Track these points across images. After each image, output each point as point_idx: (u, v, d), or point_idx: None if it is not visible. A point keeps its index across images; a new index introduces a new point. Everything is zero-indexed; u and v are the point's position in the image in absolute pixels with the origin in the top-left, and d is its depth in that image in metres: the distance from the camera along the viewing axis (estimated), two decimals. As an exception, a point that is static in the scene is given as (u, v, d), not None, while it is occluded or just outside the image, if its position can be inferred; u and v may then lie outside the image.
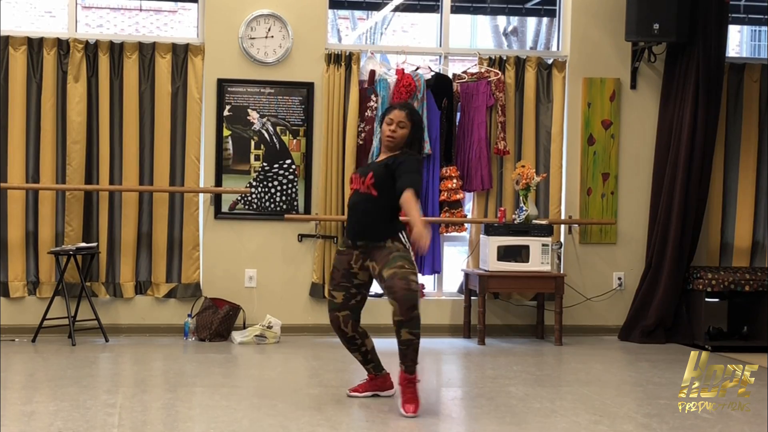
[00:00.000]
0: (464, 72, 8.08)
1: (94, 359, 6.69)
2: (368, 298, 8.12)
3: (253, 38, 7.79)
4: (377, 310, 7.95)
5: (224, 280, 7.76)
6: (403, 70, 7.87)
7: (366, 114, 7.82)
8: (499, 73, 7.98)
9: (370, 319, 7.92)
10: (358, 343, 5.49)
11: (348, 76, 7.84)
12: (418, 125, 5.38)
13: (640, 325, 7.95)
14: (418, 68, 7.95)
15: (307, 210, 7.85)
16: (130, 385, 5.99)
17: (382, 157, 5.44)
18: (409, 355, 5.14)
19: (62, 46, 7.59)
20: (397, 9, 9.00)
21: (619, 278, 8.26)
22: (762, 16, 9.37)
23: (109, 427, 4.69)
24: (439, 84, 7.90)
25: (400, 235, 5.25)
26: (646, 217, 8.20)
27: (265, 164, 7.80)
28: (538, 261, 7.62)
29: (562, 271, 8.00)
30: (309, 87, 7.85)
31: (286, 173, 7.83)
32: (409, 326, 5.09)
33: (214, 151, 7.76)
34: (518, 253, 7.64)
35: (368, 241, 5.26)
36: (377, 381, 5.59)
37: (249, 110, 7.80)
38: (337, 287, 5.46)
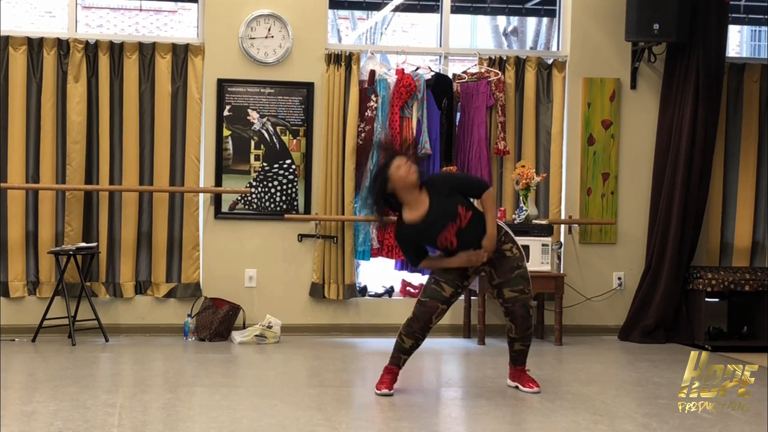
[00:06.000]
0: (464, 72, 8.08)
1: (94, 359, 6.69)
2: (369, 298, 8.20)
3: (253, 38, 7.79)
4: (377, 310, 7.97)
5: (224, 280, 7.76)
6: (403, 70, 7.87)
7: (366, 114, 7.82)
8: (499, 73, 7.98)
9: (369, 319, 7.96)
10: (424, 336, 5.59)
11: (348, 76, 7.84)
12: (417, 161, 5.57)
13: (640, 325, 7.95)
14: (418, 68, 7.95)
15: (307, 210, 7.85)
16: (130, 385, 5.99)
17: (415, 209, 5.41)
18: (519, 359, 5.72)
19: (62, 46, 7.59)
20: (397, 9, 9.00)
21: (619, 278, 8.26)
22: (762, 16, 9.37)
23: (109, 427, 4.69)
24: (439, 84, 7.90)
25: (501, 224, 5.62)
26: (646, 217, 8.20)
27: (265, 164, 7.80)
28: (538, 261, 7.62)
29: (562, 271, 8.00)
30: (309, 87, 7.85)
31: (286, 173, 7.83)
32: (523, 341, 5.66)
33: (214, 151, 7.76)
34: (518, 253, 7.62)
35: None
36: (397, 375, 5.62)
37: (249, 110, 7.80)
38: (449, 282, 5.55)
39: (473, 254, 5.43)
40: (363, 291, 8.12)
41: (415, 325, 5.51)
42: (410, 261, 5.67)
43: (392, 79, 7.84)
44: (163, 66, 7.70)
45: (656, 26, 7.67)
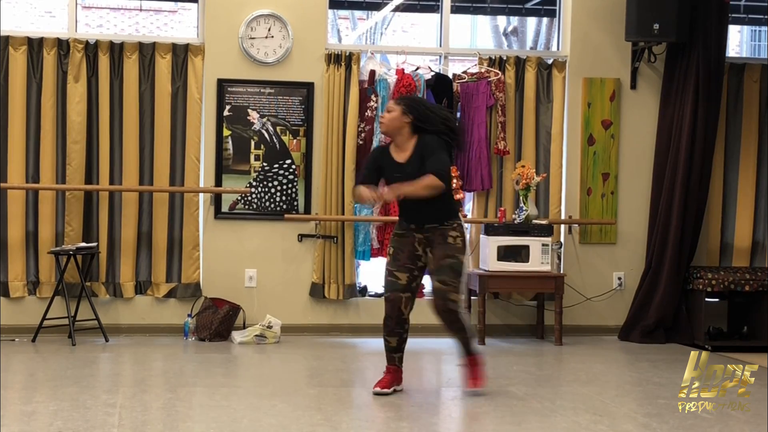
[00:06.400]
0: (464, 72, 8.08)
1: (94, 359, 6.69)
2: (369, 298, 8.19)
3: (253, 38, 7.79)
4: (377, 310, 7.95)
5: (224, 280, 7.76)
6: (403, 70, 7.87)
7: (366, 114, 7.82)
8: (499, 73, 7.98)
9: (369, 319, 7.96)
10: (405, 328, 5.56)
11: (348, 76, 7.84)
12: (411, 105, 5.48)
13: (640, 325, 7.95)
14: (418, 68, 7.95)
15: (307, 210, 7.85)
16: (130, 385, 5.99)
17: (398, 152, 5.50)
18: (461, 348, 5.58)
19: (62, 46, 7.59)
20: (397, 9, 8.99)
21: (619, 278, 8.26)
22: (762, 16, 9.37)
23: (109, 427, 4.69)
24: (439, 84, 7.90)
25: (458, 217, 5.49)
26: (646, 217, 8.20)
27: (265, 164, 7.80)
28: (538, 261, 7.62)
29: (562, 271, 8.00)
30: (309, 87, 7.85)
31: (286, 173, 7.83)
32: (453, 331, 5.53)
33: (214, 151, 7.76)
34: (518, 253, 7.63)
35: (430, 225, 5.45)
36: (399, 374, 5.61)
37: (249, 110, 7.80)
38: (401, 268, 5.50)
39: (373, 191, 5.37)
40: (363, 291, 8.12)
41: (390, 322, 5.52)
42: (359, 176, 5.72)
43: (392, 79, 7.84)
44: (163, 66, 7.70)
45: (656, 26, 7.67)
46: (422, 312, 8.04)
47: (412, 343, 7.57)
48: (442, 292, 5.40)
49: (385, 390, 5.50)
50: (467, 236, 5.51)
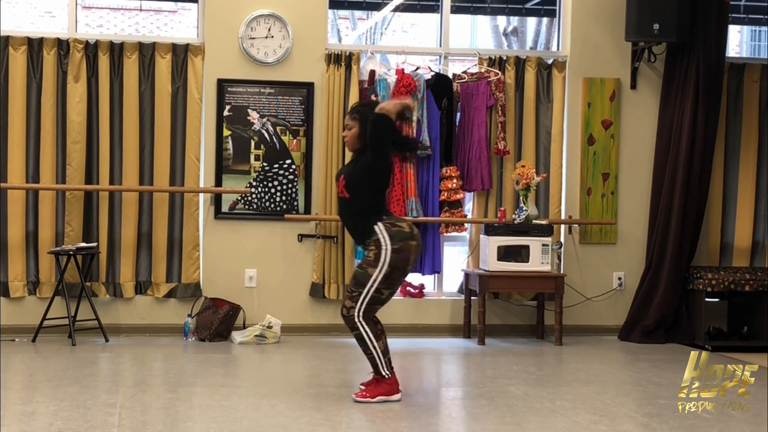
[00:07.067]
0: (464, 72, 8.08)
1: (94, 359, 6.69)
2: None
3: (253, 38, 7.79)
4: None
5: (224, 280, 7.76)
6: (403, 70, 7.87)
7: (366, 114, 7.81)
8: (499, 73, 7.98)
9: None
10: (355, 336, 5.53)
11: (348, 76, 7.84)
12: (365, 117, 5.44)
13: (640, 325, 7.95)
14: (418, 68, 7.95)
15: (307, 210, 7.85)
16: (130, 385, 5.99)
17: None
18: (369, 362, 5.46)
19: (62, 46, 7.59)
20: (397, 9, 9.00)
21: (619, 278, 8.26)
22: (762, 16, 9.37)
23: (109, 427, 4.69)
24: (439, 84, 7.90)
25: (376, 229, 5.35)
26: (646, 217, 8.20)
27: (265, 164, 7.80)
28: (538, 261, 7.62)
29: (562, 271, 8.00)
30: (309, 87, 7.85)
31: (286, 173, 7.83)
32: (356, 339, 5.43)
33: (214, 151, 7.76)
34: (518, 253, 7.63)
35: (357, 243, 5.62)
36: (379, 380, 5.54)
37: (249, 110, 7.80)
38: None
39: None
40: (363, 291, 8.11)
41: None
42: None
43: (392, 79, 7.84)
44: (163, 66, 7.70)
45: (656, 26, 7.67)
46: (421, 312, 8.06)
47: (412, 343, 7.61)
48: (344, 298, 5.49)
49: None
50: (386, 248, 5.32)
